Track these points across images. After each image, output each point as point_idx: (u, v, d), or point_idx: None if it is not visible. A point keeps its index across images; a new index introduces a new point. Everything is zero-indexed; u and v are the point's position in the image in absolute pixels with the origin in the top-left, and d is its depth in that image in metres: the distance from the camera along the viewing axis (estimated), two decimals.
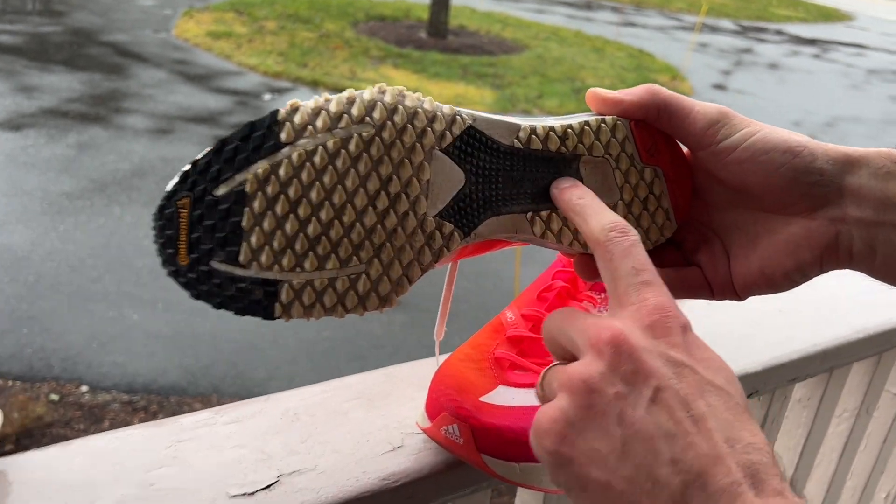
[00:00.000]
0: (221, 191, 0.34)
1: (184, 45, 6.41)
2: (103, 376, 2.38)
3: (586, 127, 0.40)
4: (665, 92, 0.42)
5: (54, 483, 0.41)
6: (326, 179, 0.35)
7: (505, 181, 0.38)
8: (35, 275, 2.81)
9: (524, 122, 0.39)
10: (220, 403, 2.33)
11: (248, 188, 0.34)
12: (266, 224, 0.34)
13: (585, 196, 0.38)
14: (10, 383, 2.30)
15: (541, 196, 0.39)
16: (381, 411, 0.50)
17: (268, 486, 0.43)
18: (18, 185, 3.48)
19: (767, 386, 0.63)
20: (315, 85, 5.73)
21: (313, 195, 0.35)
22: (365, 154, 0.35)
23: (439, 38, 7.58)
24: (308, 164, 0.34)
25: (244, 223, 0.34)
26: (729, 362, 0.61)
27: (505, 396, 0.44)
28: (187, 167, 0.34)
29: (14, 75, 5.00)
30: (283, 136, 0.34)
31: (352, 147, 0.35)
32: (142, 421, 2.25)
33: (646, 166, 0.41)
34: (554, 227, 0.40)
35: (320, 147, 0.35)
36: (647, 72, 7.45)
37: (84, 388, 2.33)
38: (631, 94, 0.42)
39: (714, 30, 11.01)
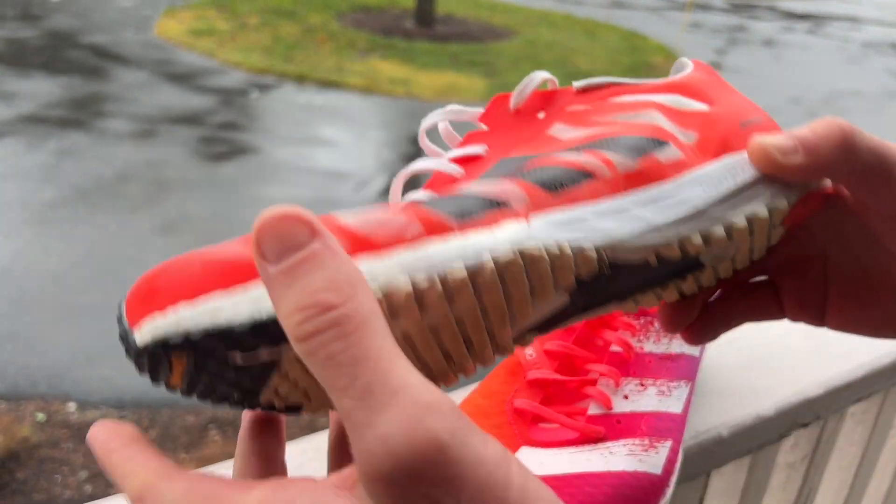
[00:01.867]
0: (240, 360, 0.24)
1: (165, 44, 6.29)
2: (91, 392, 2.30)
3: (748, 235, 0.30)
4: (863, 144, 0.29)
5: None
6: (413, 341, 0.25)
7: (605, 290, 0.29)
8: (17, 289, 2.72)
9: (677, 229, 0.29)
10: (214, 415, 2.25)
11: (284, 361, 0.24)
12: (292, 377, 0.25)
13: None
14: None
15: (643, 284, 0.31)
16: None
17: None
18: None
19: (829, 410, 0.54)
20: (301, 79, 5.61)
21: None
22: (472, 308, 0.26)
23: (427, 26, 7.46)
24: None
25: (271, 380, 0.25)
26: (785, 386, 0.51)
27: (531, 461, 0.35)
28: (188, 329, 0.23)
29: None
30: None
31: (460, 305, 0.25)
32: None
33: (780, 226, 0.31)
34: (644, 303, 0.32)
35: (401, 321, 0.24)
36: (641, 53, 7.35)
37: (72, 406, 2.24)
38: (822, 150, 0.28)
39: (706, 8, 10.89)
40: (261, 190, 3.72)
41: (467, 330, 0.26)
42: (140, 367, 0.25)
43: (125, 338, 0.24)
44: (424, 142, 0.33)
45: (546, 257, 0.26)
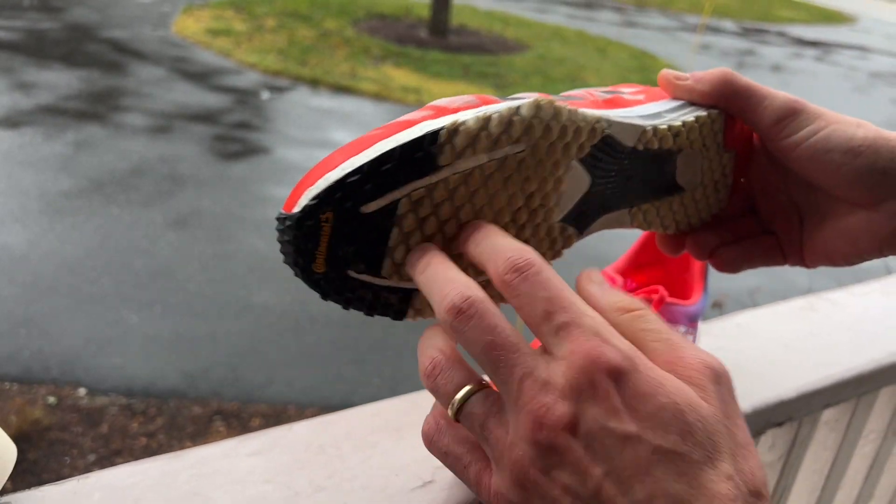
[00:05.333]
0: (371, 208, 0.32)
1: (182, 42, 6.38)
2: (102, 379, 2.36)
3: (695, 123, 0.41)
4: (739, 80, 0.41)
5: None
6: (477, 200, 0.34)
7: (619, 180, 0.39)
8: (32, 276, 2.78)
9: (646, 122, 0.40)
10: (219, 407, 2.31)
11: (400, 209, 0.33)
12: (412, 241, 0.34)
13: (483, 239, 0.34)
14: (6, 386, 2.28)
15: (643, 191, 0.41)
16: (410, 442, 0.48)
17: None
18: (15, 184, 3.45)
19: (801, 412, 0.62)
20: (315, 83, 5.70)
21: (462, 215, 0.34)
22: (515, 173, 0.35)
23: (440, 36, 7.55)
24: (462, 186, 0.33)
25: (391, 241, 0.33)
26: (763, 389, 0.59)
27: None
28: (333, 181, 0.31)
29: (11, 72, 4.96)
30: (441, 159, 0.32)
31: (506, 167, 0.34)
32: (140, 425, 2.22)
33: (726, 151, 0.43)
34: (649, 219, 0.43)
35: (476, 170, 0.33)
36: (650, 72, 7.43)
37: (82, 391, 2.30)
38: (704, 81, 0.42)
39: (716, 31, 10.99)
40: (271, 190, 3.79)
41: (525, 184, 0.36)
42: (293, 250, 0.32)
43: (282, 223, 0.32)
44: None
45: (564, 116, 0.35)
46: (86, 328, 2.55)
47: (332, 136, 4.71)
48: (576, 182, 0.37)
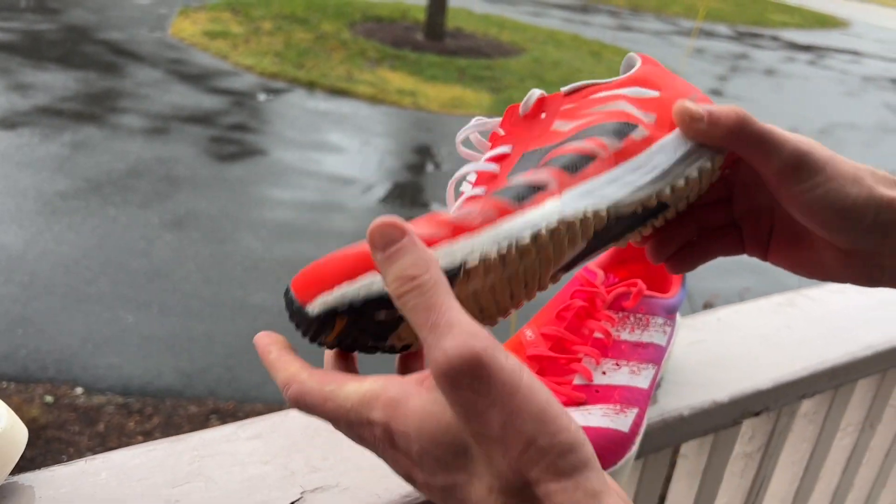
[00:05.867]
0: (383, 316, 0.34)
1: (179, 44, 6.39)
2: (98, 378, 2.37)
3: (697, 178, 0.41)
4: (753, 128, 0.40)
5: (80, 498, 0.41)
6: (483, 292, 0.36)
7: (612, 233, 0.41)
8: (29, 275, 2.80)
9: (652, 187, 0.40)
10: (216, 406, 2.33)
11: None
12: None
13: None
14: (4, 385, 2.29)
15: (631, 227, 0.42)
16: None
17: (292, 503, 0.43)
18: (12, 185, 3.47)
19: (777, 403, 0.64)
20: (311, 86, 5.72)
21: (473, 304, 0.36)
22: (520, 270, 0.37)
23: (436, 40, 7.58)
24: (478, 285, 0.35)
25: (400, 328, 0.35)
26: (740, 380, 0.61)
27: None
28: (350, 301, 0.33)
29: (8, 73, 4.97)
30: (459, 279, 0.34)
31: (512, 266, 0.36)
32: (137, 424, 2.24)
33: (718, 154, 0.43)
34: (631, 239, 0.44)
35: (491, 276, 0.35)
36: None
37: (79, 390, 2.32)
38: (720, 126, 0.40)
39: (710, 35, 11.05)
40: (268, 191, 3.81)
41: (527, 277, 0.36)
42: (307, 332, 0.35)
43: (299, 312, 0.34)
44: (461, 149, 0.43)
45: (577, 221, 0.37)
46: (83, 328, 2.57)
47: (329, 139, 4.74)
48: (573, 250, 0.39)
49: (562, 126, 0.41)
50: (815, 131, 6.47)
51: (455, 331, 0.28)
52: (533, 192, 0.37)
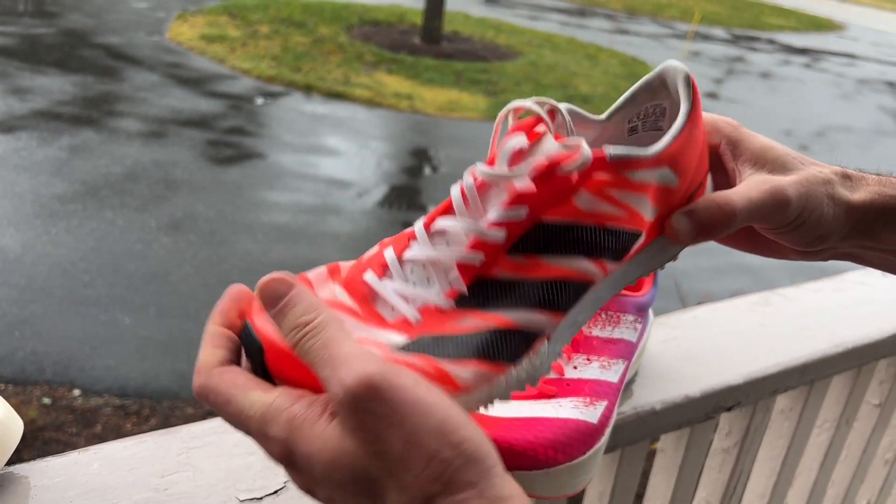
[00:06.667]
0: None
1: (177, 48, 6.42)
2: (96, 380, 2.39)
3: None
4: (744, 212, 0.41)
5: (73, 487, 0.43)
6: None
7: None
8: (27, 278, 2.82)
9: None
10: (211, 411, 2.34)
11: None
12: None
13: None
14: (2, 386, 2.31)
15: None
16: None
17: (275, 492, 0.45)
18: (10, 188, 3.49)
19: (749, 398, 0.66)
20: (308, 89, 5.74)
21: None
22: None
23: (433, 43, 7.61)
24: None
25: None
26: (712, 375, 0.64)
27: (499, 408, 0.47)
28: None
29: (6, 77, 4.99)
30: None
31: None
32: (134, 425, 2.26)
33: None
34: None
35: None
36: (640, 79, 7.49)
37: (76, 392, 2.33)
38: (706, 233, 0.41)
39: (706, 38, 11.09)
40: (264, 194, 3.83)
41: None
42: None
43: (245, 329, 0.34)
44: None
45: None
46: (80, 330, 2.58)
47: (325, 142, 4.76)
48: None
49: (586, 202, 0.36)
50: (810, 134, 6.50)
51: (350, 360, 0.29)
52: (529, 344, 0.36)
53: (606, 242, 0.37)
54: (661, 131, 0.43)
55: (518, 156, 0.36)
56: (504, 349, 0.35)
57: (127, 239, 3.19)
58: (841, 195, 0.43)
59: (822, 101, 8.00)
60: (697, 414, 0.63)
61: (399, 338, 0.34)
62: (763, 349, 0.69)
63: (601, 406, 0.49)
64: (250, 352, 0.33)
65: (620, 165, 0.37)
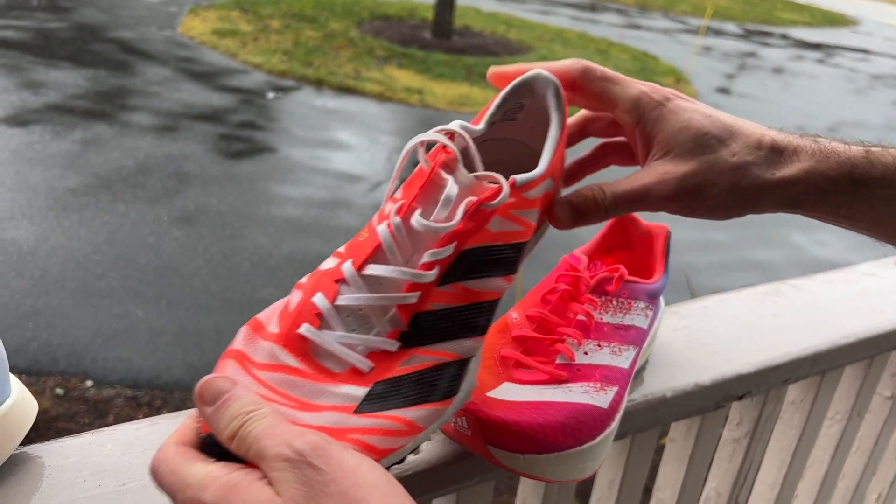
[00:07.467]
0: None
1: (189, 42, 6.44)
2: (108, 371, 2.41)
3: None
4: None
5: (87, 467, 0.44)
6: None
7: None
8: (40, 270, 2.84)
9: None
10: None
11: None
12: None
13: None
14: (15, 377, 2.33)
15: None
16: None
17: None
18: (24, 181, 3.51)
19: (760, 387, 0.66)
20: (319, 84, 5.75)
21: None
22: None
23: (444, 38, 7.60)
24: None
25: None
26: (723, 364, 0.63)
27: (510, 392, 0.47)
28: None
29: (20, 71, 5.03)
30: None
31: None
32: (145, 416, 2.27)
33: None
34: None
35: None
36: (651, 74, 7.47)
37: (89, 383, 2.35)
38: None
39: (718, 33, 11.02)
40: (276, 188, 3.84)
41: None
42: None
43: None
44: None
45: None
46: (93, 321, 2.60)
47: (336, 136, 4.77)
48: None
49: (496, 226, 0.40)
50: (823, 130, 6.44)
51: (293, 430, 0.31)
52: (464, 370, 0.39)
53: (512, 257, 0.41)
54: (515, 121, 0.47)
55: (455, 204, 0.38)
56: (449, 382, 0.38)
57: (139, 232, 3.20)
58: (755, 177, 0.43)
59: (835, 96, 7.94)
60: (708, 402, 0.63)
61: (356, 390, 0.35)
62: (774, 339, 0.69)
63: (612, 391, 0.49)
64: (208, 453, 0.34)
65: (523, 188, 0.40)
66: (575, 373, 0.49)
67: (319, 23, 7.65)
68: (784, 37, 11.79)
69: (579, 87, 0.47)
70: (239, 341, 0.37)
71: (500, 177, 0.40)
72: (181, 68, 5.64)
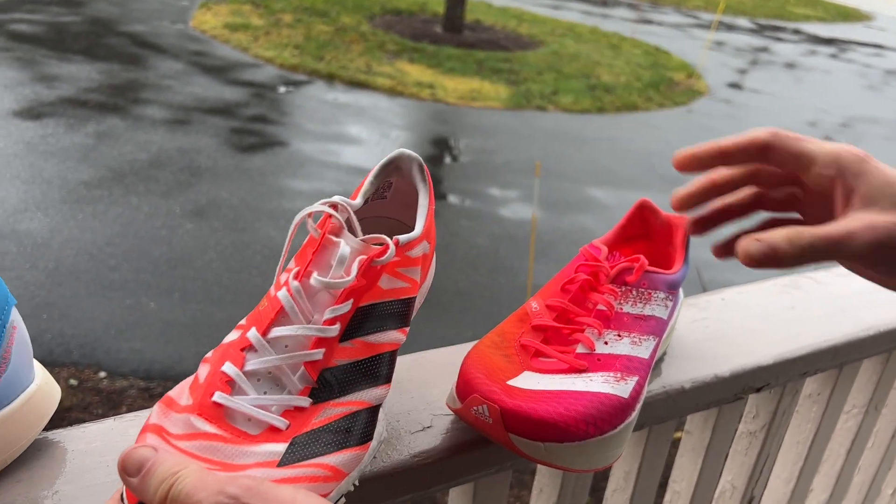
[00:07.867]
0: None
1: (201, 36, 6.45)
2: (121, 362, 2.42)
3: None
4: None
5: (111, 452, 0.44)
6: None
7: None
8: (54, 262, 2.86)
9: None
10: None
11: None
12: None
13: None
14: (39, 363, 2.35)
15: None
16: (410, 394, 0.53)
17: None
18: (38, 174, 3.53)
19: (779, 379, 0.66)
20: (331, 78, 5.76)
21: None
22: None
23: (455, 32, 7.59)
24: None
25: None
26: (742, 356, 0.63)
27: (530, 381, 0.47)
28: None
29: (34, 64, 5.05)
30: None
31: None
32: None
33: None
34: None
35: None
36: (663, 69, 7.43)
37: (102, 374, 2.37)
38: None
39: (731, 28, 10.95)
40: (287, 182, 3.85)
41: None
42: None
43: None
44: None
45: None
46: (106, 313, 2.62)
47: (348, 130, 4.77)
48: None
49: (385, 283, 0.43)
50: (835, 125, 6.41)
51: (223, 476, 0.31)
52: (376, 415, 0.42)
53: (403, 311, 0.44)
54: (385, 199, 0.51)
55: (349, 262, 0.42)
56: (364, 428, 0.40)
57: (152, 224, 3.22)
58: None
59: (848, 91, 7.87)
60: (726, 394, 0.62)
61: (276, 447, 0.37)
62: (793, 331, 0.68)
63: (632, 381, 0.49)
64: None
65: (405, 248, 0.44)
66: (595, 362, 0.49)
67: (331, 17, 7.65)
68: (797, 32, 11.70)
69: (771, 148, 0.48)
70: (154, 416, 0.38)
71: (385, 237, 0.43)
72: (193, 62, 5.66)
